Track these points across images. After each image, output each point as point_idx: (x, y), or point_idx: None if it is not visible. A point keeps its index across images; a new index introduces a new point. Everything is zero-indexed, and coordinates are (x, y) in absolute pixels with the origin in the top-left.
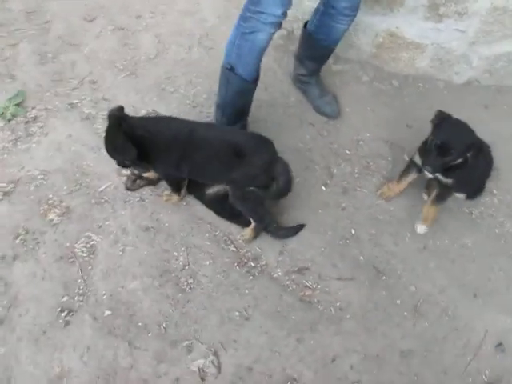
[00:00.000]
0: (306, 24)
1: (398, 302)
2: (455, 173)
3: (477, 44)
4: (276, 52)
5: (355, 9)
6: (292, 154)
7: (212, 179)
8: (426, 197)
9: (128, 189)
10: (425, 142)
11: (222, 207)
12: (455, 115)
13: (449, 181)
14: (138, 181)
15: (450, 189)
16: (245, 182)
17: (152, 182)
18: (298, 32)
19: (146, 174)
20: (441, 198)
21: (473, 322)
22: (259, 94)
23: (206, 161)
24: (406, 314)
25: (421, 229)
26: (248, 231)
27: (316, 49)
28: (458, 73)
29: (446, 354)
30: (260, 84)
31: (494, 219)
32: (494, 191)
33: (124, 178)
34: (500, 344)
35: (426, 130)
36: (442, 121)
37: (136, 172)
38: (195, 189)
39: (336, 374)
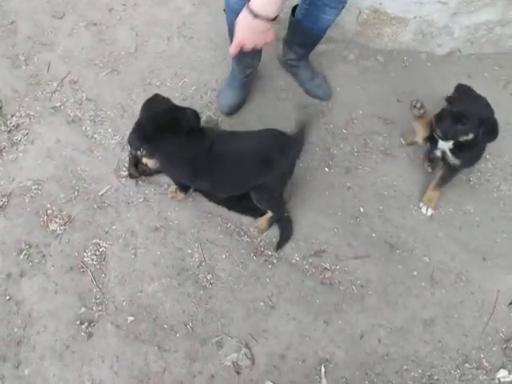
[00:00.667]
0: (294, 9)
1: (415, 273)
2: (464, 153)
3: (458, 15)
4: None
5: (341, 1)
6: None
7: (236, 191)
8: (429, 169)
9: (131, 175)
10: (441, 111)
11: (233, 202)
12: (440, 85)
13: (457, 162)
14: (138, 165)
15: (455, 171)
16: (275, 184)
17: (155, 172)
18: (286, 17)
19: (149, 164)
20: (445, 181)
21: (485, 284)
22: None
23: (230, 175)
24: (423, 284)
25: (427, 211)
26: (263, 221)
27: (304, 36)
28: (441, 44)
29: (464, 317)
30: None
31: (491, 184)
32: (487, 156)
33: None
34: None
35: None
36: (462, 93)
37: (140, 155)
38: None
39: (365, 349)
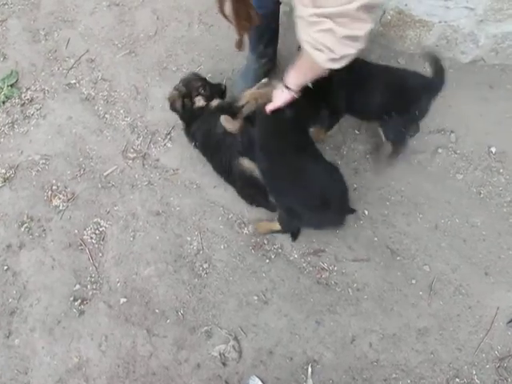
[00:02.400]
0: None
1: (413, 281)
2: None
3: (485, 22)
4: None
5: None
6: None
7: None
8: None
9: (173, 107)
10: None
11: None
12: (460, 94)
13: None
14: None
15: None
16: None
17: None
18: None
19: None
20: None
21: (485, 300)
22: None
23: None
24: (421, 293)
25: None
26: (264, 227)
27: None
28: (464, 52)
29: (460, 331)
30: None
31: (502, 198)
32: (501, 170)
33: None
34: (511, 320)
35: (432, 109)
36: None
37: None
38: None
39: (355, 353)
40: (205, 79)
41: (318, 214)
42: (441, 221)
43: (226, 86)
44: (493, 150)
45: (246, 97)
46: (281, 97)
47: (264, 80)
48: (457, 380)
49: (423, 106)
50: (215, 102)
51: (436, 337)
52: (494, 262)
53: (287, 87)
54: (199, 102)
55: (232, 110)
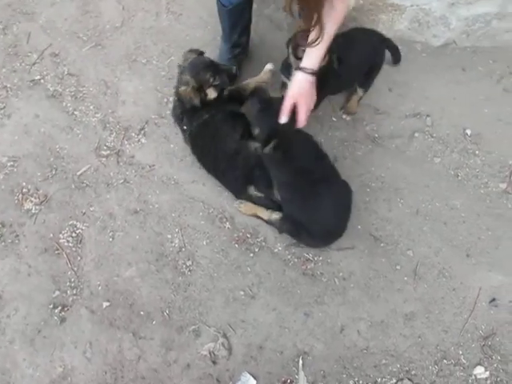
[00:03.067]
0: None
1: (398, 267)
2: None
3: (456, 5)
4: None
5: None
6: None
7: None
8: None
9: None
10: None
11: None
12: (434, 78)
13: None
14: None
15: None
16: None
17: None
18: None
19: None
20: None
21: (467, 281)
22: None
23: None
24: (406, 278)
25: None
26: (250, 209)
27: None
28: (436, 35)
29: (445, 313)
30: None
31: (479, 180)
32: (477, 152)
33: None
34: (493, 300)
35: (406, 94)
36: None
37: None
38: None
39: (345, 343)
40: (212, 63)
41: (319, 240)
42: (421, 205)
43: (237, 68)
44: (468, 132)
45: (252, 84)
46: (302, 82)
47: (269, 65)
48: (444, 361)
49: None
50: (226, 92)
51: (422, 320)
52: (474, 243)
53: (307, 71)
54: (212, 94)
55: (242, 99)
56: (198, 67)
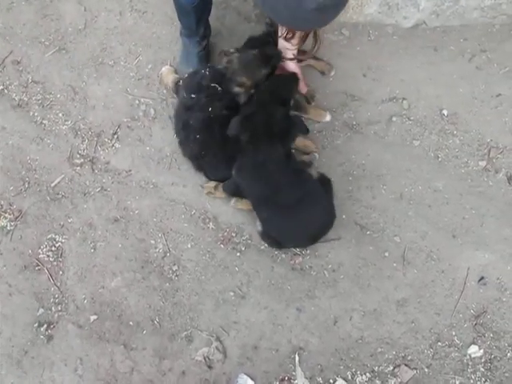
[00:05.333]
0: None
1: (386, 254)
2: None
3: None
4: (217, 10)
5: None
6: None
7: None
8: None
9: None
10: None
11: None
12: (407, 60)
13: None
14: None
15: None
16: None
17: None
18: None
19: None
20: None
21: (455, 262)
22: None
23: None
24: (395, 264)
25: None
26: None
27: None
28: (406, 17)
29: (436, 296)
30: None
31: (459, 159)
32: (455, 132)
33: None
34: (482, 278)
35: (381, 78)
36: None
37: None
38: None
39: (340, 334)
40: (262, 55)
41: (306, 243)
42: (404, 189)
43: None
44: (445, 112)
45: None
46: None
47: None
48: (439, 344)
49: None
50: None
51: (415, 305)
52: (459, 223)
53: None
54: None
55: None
56: (248, 59)
